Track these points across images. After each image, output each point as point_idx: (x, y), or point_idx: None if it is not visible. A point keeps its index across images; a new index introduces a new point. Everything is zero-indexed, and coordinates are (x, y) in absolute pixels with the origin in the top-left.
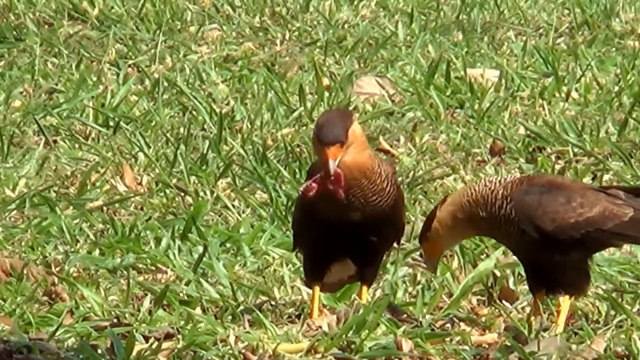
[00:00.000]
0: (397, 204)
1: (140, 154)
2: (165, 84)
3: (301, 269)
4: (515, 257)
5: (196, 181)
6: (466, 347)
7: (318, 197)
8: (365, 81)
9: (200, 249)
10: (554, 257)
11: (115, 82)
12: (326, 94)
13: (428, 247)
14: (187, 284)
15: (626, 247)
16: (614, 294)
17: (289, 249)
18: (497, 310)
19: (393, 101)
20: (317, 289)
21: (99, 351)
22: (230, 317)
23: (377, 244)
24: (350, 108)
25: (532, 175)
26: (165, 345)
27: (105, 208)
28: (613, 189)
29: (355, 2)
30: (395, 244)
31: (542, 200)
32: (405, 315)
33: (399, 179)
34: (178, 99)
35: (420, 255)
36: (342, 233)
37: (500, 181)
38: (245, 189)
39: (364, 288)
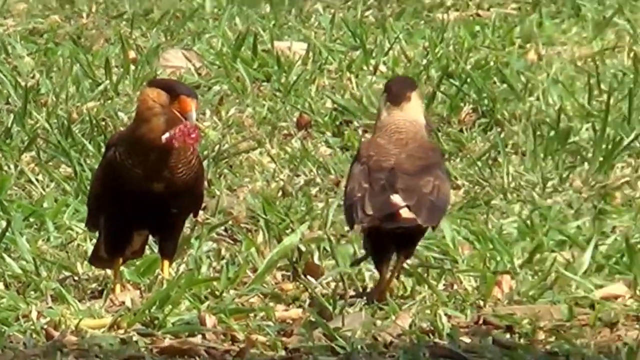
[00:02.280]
0: (198, 175)
1: None
2: None
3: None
4: (320, 232)
5: (0, 155)
6: (270, 323)
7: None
8: (172, 54)
9: (4, 223)
10: None
11: None
12: (132, 67)
13: None
14: None
15: None
16: (419, 269)
17: None
18: (302, 286)
19: (199, 74)
20: (119, 263)
21: None
22: (32, 292)
23: (177, 216)
24: None
25: None
26: None
27: None
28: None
29: None
30: (192, 216)
31: None
32: None
33: (204, 153)
34: None
35: (226, 230)
36: (143, 205)
37: None
38: (50, 163)
39: (166, 262)
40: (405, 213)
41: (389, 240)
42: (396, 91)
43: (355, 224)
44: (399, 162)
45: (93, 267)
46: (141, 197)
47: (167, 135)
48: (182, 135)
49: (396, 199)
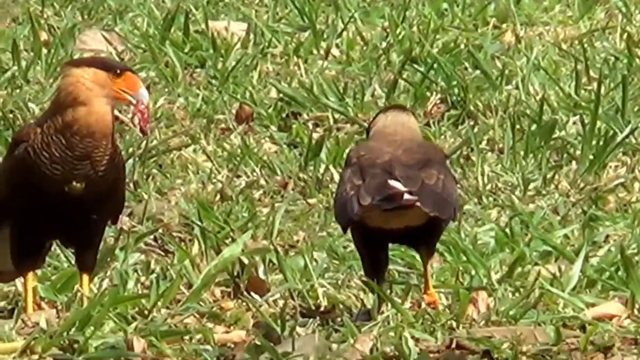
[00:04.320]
0: (120, 174)
1: None
2: None
3: None
4: (265, 242)
5: None
6: (208, 347)
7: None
8: (90, 36)
9: None
10: None
11: None
12: (44, 51)
13: None
14: None
15: None
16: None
17: None
18: (244, 304)
19: (122, 59)
20: (30, 278)
21: None
22: None
23: (97, 223)
24: None
25: None
26: None
27: None
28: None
29: None
30: (111, 222)
31: None
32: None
33: (129, 150)
34: None
35: (155, 240)
36: (60, 210)
37: None
38: None
39: (86, 277)
40: (406, 196)
41: (386, 241)
42: (397, 106)
43: (352, 217)
44: (395, 157)
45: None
46: (57, 200)
47: (136, 120)
48: (144, 118)
49: (395, 183)
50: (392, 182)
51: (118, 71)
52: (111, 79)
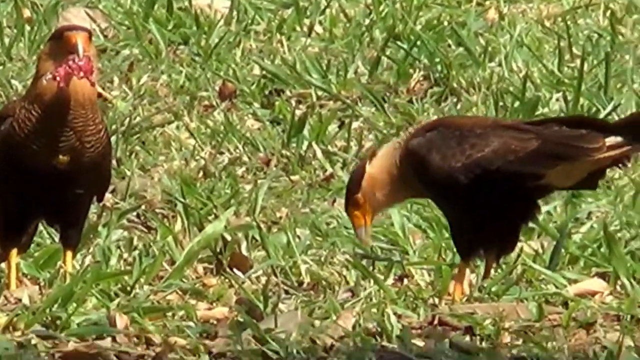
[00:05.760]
0: (106, 151)
1: None
2: None
3: None
4: (248, 219)
5: None
6: (191, 323)
7: (67, 85)
8: (74, 13)
9: None
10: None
11: None
12: (27, 28)
13: (358, 213)
14: None
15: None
16: (364, 262)
17: None
18: (227, 281)
19: (106, 36)
20: (13, 254)
21: None
22: None
23: (82, 199)
24: None
25: (432, 120)
26: None
27: None
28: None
29: None
30: (96, 200)
31: (429, 144)
32: None
33: (113, 127)
34: None
35: (138, 216)
36: (46, 185)
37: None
38: None
39: (69, 253)
40: None
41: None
42: None
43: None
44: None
45: None
46: (43, 175)
47: (48, 75)
48: (70, 71)
49: None
50: None
51: (58, 36)
52: (59, 46)
